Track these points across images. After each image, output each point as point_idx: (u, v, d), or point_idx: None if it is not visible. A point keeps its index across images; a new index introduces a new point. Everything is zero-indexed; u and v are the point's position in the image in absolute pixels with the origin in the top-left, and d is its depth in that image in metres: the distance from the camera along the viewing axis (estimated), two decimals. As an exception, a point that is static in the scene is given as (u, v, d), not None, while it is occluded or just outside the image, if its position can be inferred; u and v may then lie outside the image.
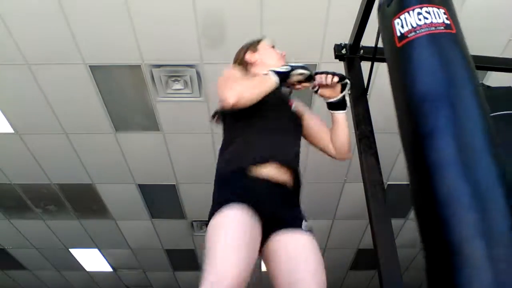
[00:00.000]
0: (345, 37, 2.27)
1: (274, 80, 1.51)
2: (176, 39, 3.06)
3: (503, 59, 2.65)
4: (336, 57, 2.25)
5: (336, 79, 1.64)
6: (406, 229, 5.26)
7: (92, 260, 6.08)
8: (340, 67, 2.29)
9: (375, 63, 2.12)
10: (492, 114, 1.67)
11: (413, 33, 1.33)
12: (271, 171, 1.47)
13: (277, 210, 1.45)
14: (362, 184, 1.86)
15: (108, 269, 6.31)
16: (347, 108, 1.71)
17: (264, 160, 1.47)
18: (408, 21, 1.36)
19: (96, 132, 3.85)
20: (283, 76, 1.54)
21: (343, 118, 1.70)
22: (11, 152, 4.07)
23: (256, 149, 1.50)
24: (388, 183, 4.44)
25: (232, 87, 1.44)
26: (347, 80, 1.68)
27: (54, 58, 3.16)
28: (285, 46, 3.14)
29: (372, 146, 1.91)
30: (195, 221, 5.20)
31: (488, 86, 2.09)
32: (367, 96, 2.10)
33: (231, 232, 1.28)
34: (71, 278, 6.65)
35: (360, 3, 2.12)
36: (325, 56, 3.09)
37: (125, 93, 3.49)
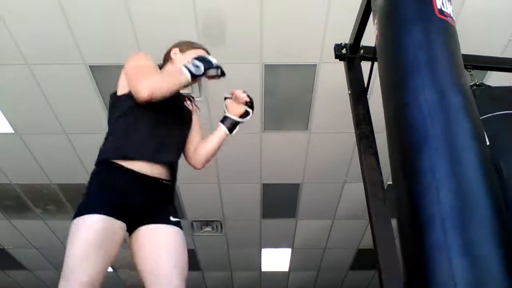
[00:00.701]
0: (345, 37, 2.27)
1: (187, 79, 1.52)
2: (176, 39, 3.04)
3: (503, 59, 2.65)
4: (336, 57, 2.25)
5: (245, 99, 1.72)
6: (406, 229, 5.25)
7: (92, 260, 6.07)
8: (340, 67, 2.30)
9: (375, 63, 2.11)
10: (492, 114, 1.67)
11: None
12: (142, 167, 1.48)
13: (144, 205, 1.48)
14: (362, 184, 1.86)
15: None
16: (232, 133, 1.78)
17: (136, 157, 1.48)
18: None
19: (96, 132, 3.84)
20: (197, 76, 1.55)
21: (223, 136, 1.76)
22: (11, 152, 4.07)
23: (132, 143, 1.51)
24: (388, 183, 4.42)
25: (147, 79, 1.46)
26: (251, 111, 1.76)
27: (54, 58, 3.16)
28: (285, 46, 3.17)
29: (372, 146, 1.91)
30: (195, 221, 5.20)
31: (488, 86, 2.09)
32: (367, 96, 2.10)
33: (84, 243, 1.37)
34: (71, 278, 6.64)
35: (360, 3, 2.11)
36: (325, 56, 3.09)
37: (125, 93, 3.49)
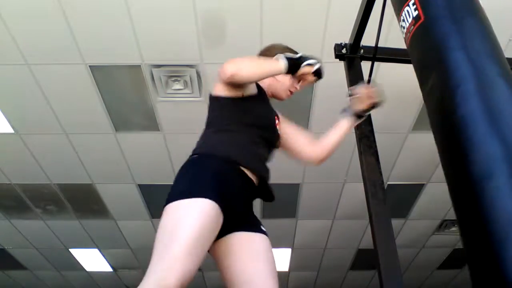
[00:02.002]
0: (345, 37, 2.27)
1: (281, 65, 1.45)
2: (176, 39, 3.06)
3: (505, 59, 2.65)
4: (336, 56, 2.25)
5: (372, 102, 1.79)
6: (406, 229, 5.26)
7: (92, 260, 6.08)
8: (340, 67, 2.30)
9: (375, 63, 2.12)
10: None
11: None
12: (251, 174, 1.46)
13: (244, 210, 1.46)
14: (362, 184, 1.86)
15: (108, 269, 6.31)
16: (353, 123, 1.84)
17: (249, 164, 1.45)
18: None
19: (96, 132, 3.85)
20: (292, 64, 1.48)
21: (352, 126, 1.81)
22: (11, 152, 4.07)
23: (247, 150, 1.48)
24: (388, 183, 4.44)
25: (238, 60, 1.41)
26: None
27: (54, 58, 3.16)
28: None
29: (372, 146, 1.91)
30: (195, 221, 5.20)
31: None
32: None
33: (196, 230, 1.18)
34: (71, 278, 6.65)
35: (360, 3, 2.12)
36: (325, 56, 3.08)
37: (125, 93, 3.49)
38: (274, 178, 4.73)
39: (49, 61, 3.18)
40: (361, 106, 1.80)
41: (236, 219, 1.40)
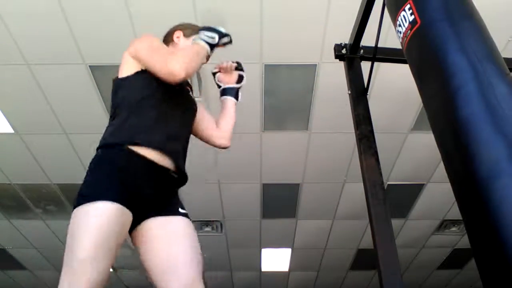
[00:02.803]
0: (345, 37, 2.27)
1: (206, 51, 1.51)
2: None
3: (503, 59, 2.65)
4: (336, 57, 2.25)
5: (233, 65, 1.74)
6: (406, 229, 5.26)
7: (92, 260, 6.07)
8: (340, 67, 2.30)
9: (375, 63, 2.12)
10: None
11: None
12: (155, 156, 1.39)
13: (153, 195, 1.39)
14: (362, 184, 1.86)
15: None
16: (238, 99, 1.77)
17: (150, 145, 1.38)
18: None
19: (96, 132, 3.83)
20: (214, 45, 1.55)
21: (233, 105, 1.75)
22: (11, 152, 4.07)
23: (146, 130, 1.41)
24: (388, 183, 4.44)
25: (177, 58, 1.41)
26: (243, 73, 1.77)
27: (54, 58, 3.16)
28: (285, 46, 3.16)
29: (372, 146, 1.91)
30: (194, 221, 5.16)
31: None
32: (367, 96, 2.10)
33: (96, 232, 1.21)
34: (71, 278, 6.64)
35: (360, 3, 2.12)
36: (325, 56, 3.09)
37: (125, 93, 3.49)
38: (274, 178, 4.74)
39: (49, 61, 3.18)
40: (229, 78, 1.77)
41: (147, 205, 1.37)
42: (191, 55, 1.46)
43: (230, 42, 1.63)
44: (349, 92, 2.12)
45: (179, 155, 1.48)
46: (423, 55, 1.33)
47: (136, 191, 1.33)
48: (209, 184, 4.47)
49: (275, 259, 6.00)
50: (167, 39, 1.74)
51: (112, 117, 1.51)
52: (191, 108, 1.64)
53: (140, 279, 6.58)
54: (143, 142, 1.38)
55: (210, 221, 5.18)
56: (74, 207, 1.30)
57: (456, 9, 1.32)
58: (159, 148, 1.39)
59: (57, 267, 6.28)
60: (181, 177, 1.50)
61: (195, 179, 4.39)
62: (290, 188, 4.58)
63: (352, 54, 2.21)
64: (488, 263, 1.04)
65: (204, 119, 1.73)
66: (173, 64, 1.39)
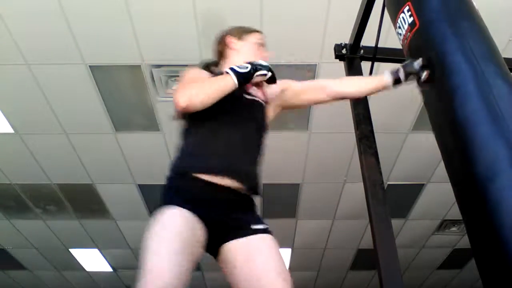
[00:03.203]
0: (345, 37, 2.27)
1: (233, 83, 1.40)
2: (176, 39, 3.06)
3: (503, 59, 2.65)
4: (336, 57, 2.25)
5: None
6: (406, 229, 5.26)
7: (92, 260, 6.08)
8: (340, 67, 2.29)
9: (375, 63, 2.12)
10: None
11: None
12: (221, 180, 1.38)
13: (225, 216, 1.37)
14: (362, 184, 1.86)
15: (108, 269, 6.31)
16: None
17: (213, 172, 1.38)
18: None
19: (96, 132, 3.85)
20: (244, 78, 1.42)
21: (387, 86, 1.59)
22: (11, 152, 4.07)
23: (207, 156, 1.41)
24: (388, 183, 4.44)
25: (185, 89, 1.37)
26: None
27: (54, 58, 3.16)
28: (285, 46, 3.16)
29: (372, 146, 1.91)
30: (195, 221, 5.20)
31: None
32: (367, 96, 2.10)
33: (167, 237, 1.24)
34: (71, 278, 6.65)
35: (360, 3, 2.12)
36: (325, 56, 3.09)
37: (125, 93, 3.49)
38: (274, 178, 4.74)
39: (49, 61, 3.18)
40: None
41: (220, 226, 1.36)
42: (205, 85, 1.40)
43: (273, 80, 1.49)
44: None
45: (242, 170, 1.44)
46: (423, 56, 1.33)
47: (205, 214, 1.33)
48: (209, 184, 4.46)
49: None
50: (221, 52, 1.70)
51: (180, 144, 1.54)
52: (254, 117, 1.56)
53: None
54: (202, 169, 1.38)
55: (210, 221, 5.18)
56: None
57: (455, 9, 1.32)
58: (217, 172, 1.38)
59: (57, 267, 6.29)
60: (250, 192, 1.46)
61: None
62: (290, 188, 4.58)
63: (352, 54, 2.21)
64: (488, 263, 1.04)
65: (305, 92, 1.66)
66: (178, 94, 1.36)
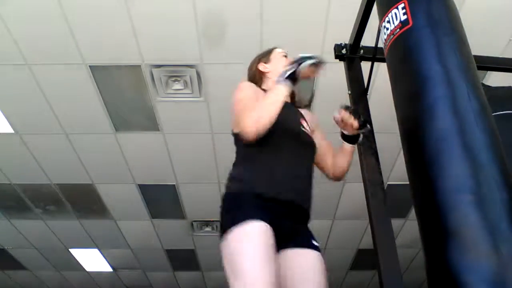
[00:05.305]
0: (345, 37, 2.27)
1: (285, 88, 1.50)
2: (176, 39, 3.06)
3: (503, 59, 2.65)
4: (336, 57, 2.25)
5: (356, 125, 1.68)
6: (406, 229, 5.26)
7: (92, 260, 6.08)
8: (340, 67, 2.29)
9: (375, 63, 2.12)
10: (492, 114, 1.66)
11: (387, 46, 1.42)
12: (288, 198, 1.49)
13: (291, 228, 1.48)
14: (362, 184, 1.86)
15: (108, 269, 6.32)
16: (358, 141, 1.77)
17: (279, 193, 1.47)
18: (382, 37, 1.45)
19: (96, 132, 3.85)
20: (293, 77, 1.52)
21: (352, 150, 1.77)
22: (11, 152, 4.07)
23: (272, 178, 1.49)
24: (388, 183, 4.44)
25: (248, 116, 1.44)
26: (368, 127, 1.73)
27: (54, 58, 3.16)
28: (285, 46, 3.15)
29: (372, 146, 1.91)
30: (195, 221, 5.20)
31: (488, 86, 2.09)
32: (367, 96, 2.10)
33: (258, 245, 1.30)
34: (71, 278, 6.65)
35: (360, 3, 2.11)
36: (325, 56, 3.07)
37: (125, 93, 3.49)
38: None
39: (49, 61, 3.18)
40: (349, 130, 1.73)
41: (283, 237, 1.44)
42: (263, 107, 1.47)
43: (320, 62, 1.58)
44: (349, 92, 2.12)
45: (305, 191, 1.58)
46: (406, 57, 1.34)
47: (273, 226, 1.39)
48: (209, 184, 4.47)
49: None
50: (254, 74, 1.79)
51: (234, 164, 1.63)
52: (310, 144, 1.70)
53: (140, 279, 6.58)
54: (263, 193, 1.45)
55: (210, 221, 5.19)
56: (221, 235, 1.41)
57: (444, 19, 1.34)
58: (286, 191, 1.48)
59: (57, 267, 6.29)
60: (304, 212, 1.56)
61: (195, 179, 4.40)
62: (290, 188, 4.58)
63: (352, 54, 2.20)
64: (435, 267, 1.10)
65: (324, 153, 1.82)
66: (245, 124, 1.44)
